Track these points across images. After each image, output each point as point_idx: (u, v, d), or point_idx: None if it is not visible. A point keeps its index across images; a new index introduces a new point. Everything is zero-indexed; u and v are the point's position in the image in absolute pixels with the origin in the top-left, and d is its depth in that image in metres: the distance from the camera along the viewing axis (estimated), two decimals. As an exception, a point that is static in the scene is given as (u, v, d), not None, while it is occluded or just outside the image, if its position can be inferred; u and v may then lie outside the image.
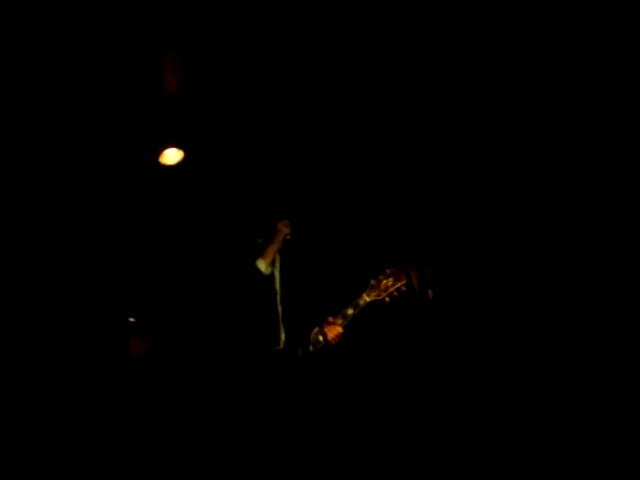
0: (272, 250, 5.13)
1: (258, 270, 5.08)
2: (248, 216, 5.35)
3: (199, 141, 5.58)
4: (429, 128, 5.59)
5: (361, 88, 5.55)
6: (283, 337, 5.02)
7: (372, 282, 4.94)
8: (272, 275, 5.13)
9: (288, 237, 5.15)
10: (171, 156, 5.54)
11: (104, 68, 5.36)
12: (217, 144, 5.64)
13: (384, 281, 4.93)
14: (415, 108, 5.55)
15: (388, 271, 4.95)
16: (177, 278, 5.48)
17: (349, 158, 5.66)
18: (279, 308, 5.07)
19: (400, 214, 5.62)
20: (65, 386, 5.15)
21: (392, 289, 4.90)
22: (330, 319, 4.92)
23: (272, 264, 5.14)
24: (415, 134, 5.63)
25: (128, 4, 5.23)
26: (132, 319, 5.27)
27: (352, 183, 5.63)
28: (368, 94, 5.54)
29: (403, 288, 4.92)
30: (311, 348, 4.93)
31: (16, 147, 5.32)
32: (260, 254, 5.12)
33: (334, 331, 4.87)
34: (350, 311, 4.92)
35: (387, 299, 4.90)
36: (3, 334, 5.12)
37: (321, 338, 4.89)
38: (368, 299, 4.91)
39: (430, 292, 5.52)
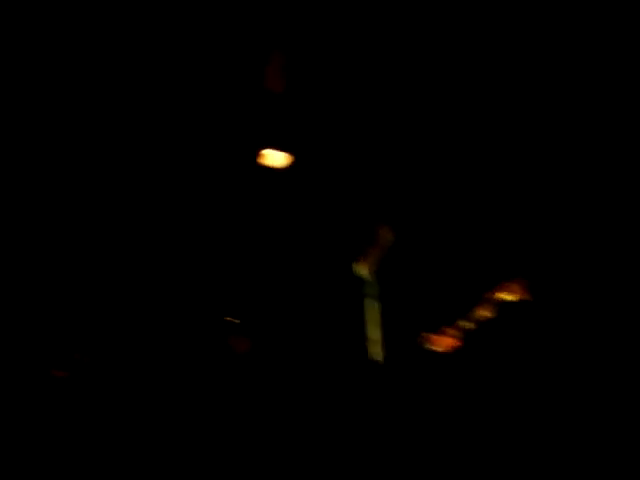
0: (374, 256, 5.03)
1: (359, 275, 5.01)
2: (351, 220, 5.26)
3: (304, 143, 5.47)
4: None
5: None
6: (380, 347, 4.90)
7: (488, 295, 4.76)
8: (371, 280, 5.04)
9: (390, 244, 5.04)
10: (276, 158, 5.45)
11: (208, 69, 5.35)
12: (322, 146, 5.53)
13: (498, 295, 4.75)
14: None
15: (506, 284, 4.76)
16: (278, 281, 5.41)
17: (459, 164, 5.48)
18: (376, 317, 4.96)
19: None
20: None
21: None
22: (445, 329, 4.76)
23: (374, 270, 5.04)
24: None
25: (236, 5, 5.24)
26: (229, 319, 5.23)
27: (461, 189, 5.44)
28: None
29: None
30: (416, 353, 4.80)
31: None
32: (362, 259, 5.04)
33: (447, 342, 4.72)
34: (466, 324, 4.75)
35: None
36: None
37: (430, 346, 4.75)
38: (486, 313, 4.73)
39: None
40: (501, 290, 4.82)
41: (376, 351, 4.91)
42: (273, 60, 5.37)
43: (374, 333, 4.95)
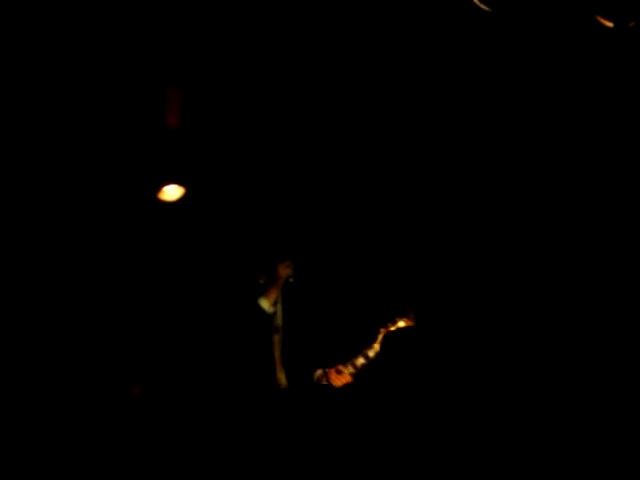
0: (275, 290, 5.17)
1: (260, 309, 5.13)
2: (249, 255, 5.37)
3: (200, 178, 5.53)
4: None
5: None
6: (283, 377, 5.06)
7: (382, 332, 4.99)
8: (273, 314, 5.17)
9: (291, 279, 5.19)
10: (171, 192, 5.49)
11: (105, 103, 5.30)
12: (218, 181, 5.61)
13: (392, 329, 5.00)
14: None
15: (399, 321, 5.00)
16: (177, 314, 5.45)
17: (352, 199, 5.67)
18: (279, 347, 5.11)
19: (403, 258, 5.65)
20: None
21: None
22: (340, 367, 4.97)
23: (275, 304, 5.17)
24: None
25: (129, 40, 5.19)
26: None
27: (357, 225, 5.64)
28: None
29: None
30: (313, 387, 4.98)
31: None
32: (262, 293, 5.16)
33: (343, 380, 4.93)
34: (361, 361, 4.97)
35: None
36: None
37: (325, 382, 4.93)
38: (379, 349, 4.96)
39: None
40: (393, 324, 5.06)
41: (280, 381, 5.07)
42: (170, 96, 5.40)
43: (278, 364, 5.10)
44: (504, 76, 5.32)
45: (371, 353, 5.01)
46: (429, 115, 5.52)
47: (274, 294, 5.18)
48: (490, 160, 5.55)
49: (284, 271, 5.19)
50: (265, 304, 5.15)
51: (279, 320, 5.21)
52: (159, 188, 5.45)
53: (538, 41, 5.07)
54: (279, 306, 5.22)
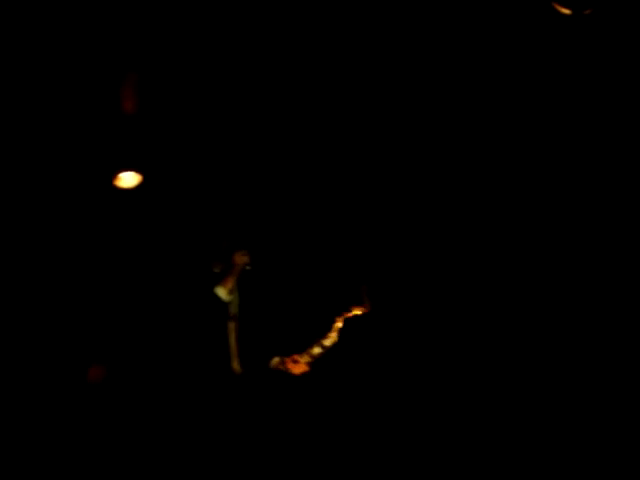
0: (232, 278, 5.13)
1: (217, 297, 5.09)
2: (206, 243, 5.32)
3: (157, 164, 5.48)
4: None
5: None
6: (238, 364, 5.02)
7: (338, 321, 4.97)
8: (229, 302, 5.13)
9: (248, 267, 5.15)
10: (127, 179, 5.43)
11: (60, 88, 5.24)
12: (176, 168, 5.55)
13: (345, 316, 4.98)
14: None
15: (354, 309, 4.98)
16: (132, 302, 5.39)
17: (306, 188, 5.64)
18: (234, 334, 5.07)
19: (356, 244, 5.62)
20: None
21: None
22: (296, 357, 4.94)
23: (231, 292, 5.13)
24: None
25: (86, 26, 5.14)
26: None
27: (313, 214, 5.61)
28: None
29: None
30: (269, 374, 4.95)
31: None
32: (219, 281, 5.12)
33: (300, 369, 4.90)
34: (317, 350, 4.94)
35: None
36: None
37: (282, 368, 4.90)
38: (336, 339, 4.94)
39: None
40: (349, 312, 5.04)
41: (235, 368, 5.02)
42: (126, 82, 5.35)
43: (233, 352, 5.06)
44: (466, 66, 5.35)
45: (327, 342, 4.99)
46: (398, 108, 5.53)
47: (230, 282, 5.13)
48: (462, 151, 5.56)
49: (240, 259, 5.14)
50: (221, 292, 5.10)
51: (235, 308, 5.16)
52: (115, 175, 5.40)
53: (494, 28, 5.09)
54: (235, 294, 5.17)
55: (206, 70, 5.44)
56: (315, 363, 4.97)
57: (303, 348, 5.00)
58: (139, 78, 5.38)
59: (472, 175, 5.45)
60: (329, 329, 5.01)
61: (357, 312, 4.99)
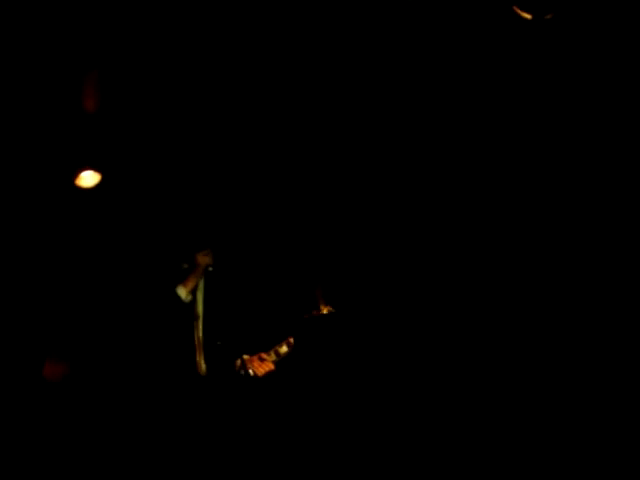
0: (193, 278, 5.10)
1: (178, 297, 5.06)
2: (168, 243, 5.30)
3: (118, 163, 5.44)
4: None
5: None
6: (203, 364, 5.00)
7: (304, 317, 4.99)
8: (193, 302, 5.10)
9: (210, 268, 5.13)
10: (88, 179, 5.39)
11: (21, 86, 5.18)
12: (137, 167, 5.52)
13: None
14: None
15: (321, 307, 5.00)
16: (94, 301, 5.36)
17: (269, 185, 5.65)
18: (199, 335, 5.05)
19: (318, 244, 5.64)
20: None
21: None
22: (263, 355, 4.93)
23: (193, 292, 5.10)
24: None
25: (48, 21, 5.08)
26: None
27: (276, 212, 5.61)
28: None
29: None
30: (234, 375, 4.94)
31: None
32: (181, 281, 5.09)
33: (265, 368, 4.90)
34: (284, 349, 4.95)
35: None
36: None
37: (251, 372, 4.89)
38: (302, 336, 4.96)
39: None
40: (315, 310, 5.06)
41: (199, 369, 5.01)
42: (88, 80, 5.30)
43: (198, 352, 5.04)
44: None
45: (293, 340, 4.99)
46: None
47: (192, 282, 5.11)
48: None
49: (203, 259, 5.12)
50: (182, 292, 5.08)
51: (199, 308, 5.14)
52: (76, 174, 5.36)
53: (457, 32, 5.13)
54: (199, 294, 5.15)
55: (168, 67, 5.41)
56: (281, 362, 4.96)
57: (269, 347, 5.00)
58: (100, 76, 5.33)
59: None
60: (295, 327, 5.02)
61: (323, 310, 5.00)
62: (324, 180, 5.62)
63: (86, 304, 5.33)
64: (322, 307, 5.07)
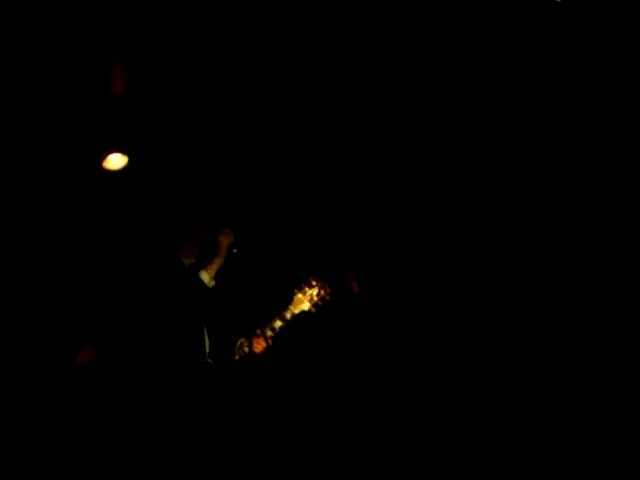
0: (217, 262, 5.09)
1: (202, 281, 5.06)
2: (193, 225, 5.30)
3: (144, 146, 5.46)
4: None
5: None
6: (208, 347, 4.99)
7: (297, 293, 4.95)
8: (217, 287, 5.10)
9: (234, 250, 5.11)
10: (115, 161, 5.42)
11: (47, 70, 5.22)
12: (163, 150, 5.54)
13: (309, 291, 4.95)
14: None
15: (313, 282, 4.96)
16: (116, 286, 5.39)
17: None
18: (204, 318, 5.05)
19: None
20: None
21: (317, 299, 4.93)
22: (258, 332, 4.91)
23: (215, 277, 5.10)
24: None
25: (74, 6, 5.10)
26: None
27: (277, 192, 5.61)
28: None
29: (327, 297, 4.94)
30: (236, 357, 4.92)
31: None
32: (204, 266, 5.09)
33: (262, 343, 4.87)
34: (278, 324, 4.93)
35: (313, 309, 4.92)
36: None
37: (247, 349, 4.87)
38: (295, 311, 4.92)
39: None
40: (310, 288, 5.03)
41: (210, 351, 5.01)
42: (114, 64, 5.32)
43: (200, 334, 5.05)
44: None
45: (288, 315, 4.96)
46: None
47: (215, 266, 5.10)
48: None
49: (224, 240, 5.10)
50: (205, 277, 5.06)
51: (216, 292, 5.12)
52: (103, 157, 5.39)
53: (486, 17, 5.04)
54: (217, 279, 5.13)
55: (197, 53, 5.40)
56: (276, 338, 4.92)
57: (264, 323, 4.98)
58: (126, 59, 5.34)
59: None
60: (288, 302, 4.99)
61: (314, 285, 4.95)
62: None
63: (112, 290, 5.36)
64: (354, 287, 5.06)
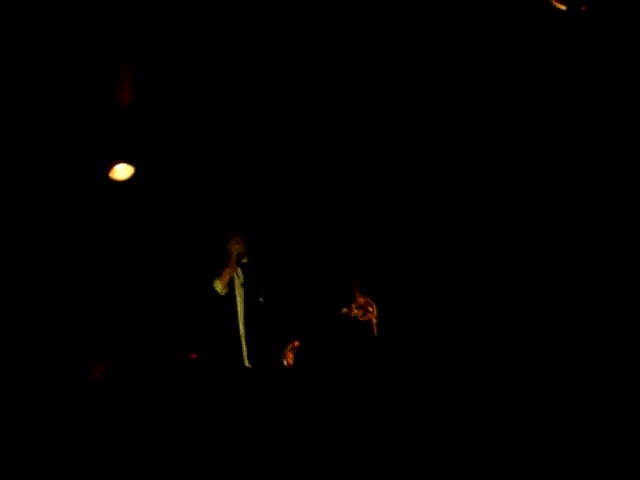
0: (229, 270, 5.10)
1: (215, 291, 5.06)
2: (202, 234, 5.30)
3: (151, 157, 5.45)
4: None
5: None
6: (246, 355, 5.00)
7: (344, 310, 4.99)
8: (231, 295, 5.10)
9: (244, 259, 5.13)
10: (121, 171, 5.40)
11: (55, 80, 5.19)
12: (169, 160, 5.53)
13: (355, 311, 5.00)
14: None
15: (361, 301, 5.00)
16: (130, 295, 5.36)
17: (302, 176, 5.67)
18: (242, 327, 5.05)
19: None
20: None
21: (362, 319, 4.98)
22: (296, 344, 4.95)
23: (229, 285, 5.10)
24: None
25: (81, 17, 5.10)
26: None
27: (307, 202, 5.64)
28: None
29: (374, 320, 4.99)
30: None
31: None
32: (217, 274, 5.09)
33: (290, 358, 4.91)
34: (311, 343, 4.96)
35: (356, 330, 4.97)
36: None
37: (285, 362, 4.91)
38: (335, 330, 4.96)
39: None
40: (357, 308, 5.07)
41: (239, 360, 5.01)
42: (121, 74, 5.31)
43: (235, 343, 5.05)
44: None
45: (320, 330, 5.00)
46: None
47: (228, 275, 5.10)
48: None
49: (235, 248, 5.11)
50: (218, 286, 5.07)
51: (239, 300, 5.13)
52: (110, 167, 5.37)
53: (493, 24, 5.16)
54: (238, 286, 5.13)
55: (201, 62, 5.42)
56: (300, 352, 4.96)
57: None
58: (133, 70, 5.34)
59: (471, 175, 5.52)
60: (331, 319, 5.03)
61: (359, 301, 5.01)
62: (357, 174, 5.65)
63: (122, 300, 5.33)
64: (358, 298, 5.09)
